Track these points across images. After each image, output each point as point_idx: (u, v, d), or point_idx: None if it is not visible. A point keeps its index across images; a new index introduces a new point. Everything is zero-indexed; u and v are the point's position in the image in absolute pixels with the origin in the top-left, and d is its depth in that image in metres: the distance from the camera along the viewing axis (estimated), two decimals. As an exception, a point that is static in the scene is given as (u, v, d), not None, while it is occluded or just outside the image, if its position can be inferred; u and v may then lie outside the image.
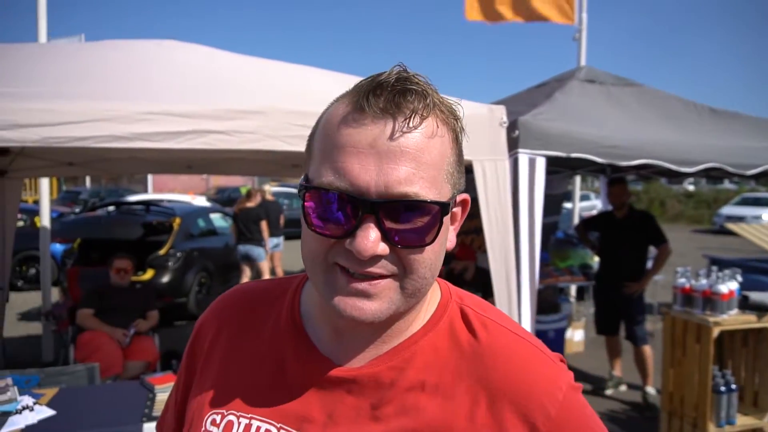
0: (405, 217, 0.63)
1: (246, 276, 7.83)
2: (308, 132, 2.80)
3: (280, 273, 8.35)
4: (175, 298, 6.93)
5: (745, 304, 3.05)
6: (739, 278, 3.07)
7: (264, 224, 7.65)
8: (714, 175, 5.49)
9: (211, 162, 5.66)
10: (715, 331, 2.87)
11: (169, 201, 9.88)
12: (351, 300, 0.64)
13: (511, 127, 3.35)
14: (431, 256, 0.66)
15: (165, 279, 6.89)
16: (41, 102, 2.53)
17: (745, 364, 3.23)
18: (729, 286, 2.96)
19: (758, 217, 17.32)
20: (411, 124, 0.62)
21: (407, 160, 0.61)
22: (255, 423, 0.72)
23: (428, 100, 0.63)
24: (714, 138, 4.47)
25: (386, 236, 0.62)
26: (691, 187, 29.33)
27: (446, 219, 0.66)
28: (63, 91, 2.76)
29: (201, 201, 12.51)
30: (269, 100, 2.84)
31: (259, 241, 7.60)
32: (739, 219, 16.29)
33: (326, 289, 0.66)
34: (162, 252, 7.03)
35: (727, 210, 19.82)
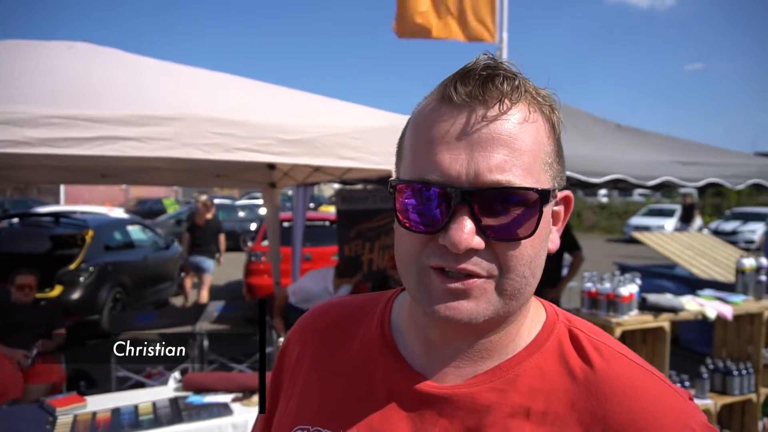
0: (500, 208, 0.59)
1: (189, 286, 7.87)
2: (227, 140, 2.75)
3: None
4: (87, 315, 6.50)
5: (643, 305, 3.29)
6: (639, 281, 3.30)
7: (223, 237, 7.88)
8: (621, 186, 5.91)
9: (127, 170, 5.42)
10: (618, 331, 3.07)
11: (83, 213, 9.32)
12: (446, 301, 0.60)
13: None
14: (530, 253, 0.61)
15: (75, 295, 6.46)
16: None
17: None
18: (629, 289, 3.18)
19: (662, 227, 18.70)
20: (501, 109, 0.59)
21: (499, 146, 0.58)
22: None
23: (517, 83, 0.60)
24: (619, 152, 4.81)
25: (481, 229, 0.59)
26: (604, 200, 31.28)
27: (546, 211, 0.62)
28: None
29: (118, 213, 11.88)
30: (185, 106, 2.77)
31: (213, 253, 7.72)
32: (646, 229, 17.52)
33: (419, 291, 0.62)
34: (72, 266, 6.59)
35: (636, 220, 21.25)
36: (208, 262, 7.67)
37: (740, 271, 3.87)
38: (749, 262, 3.87)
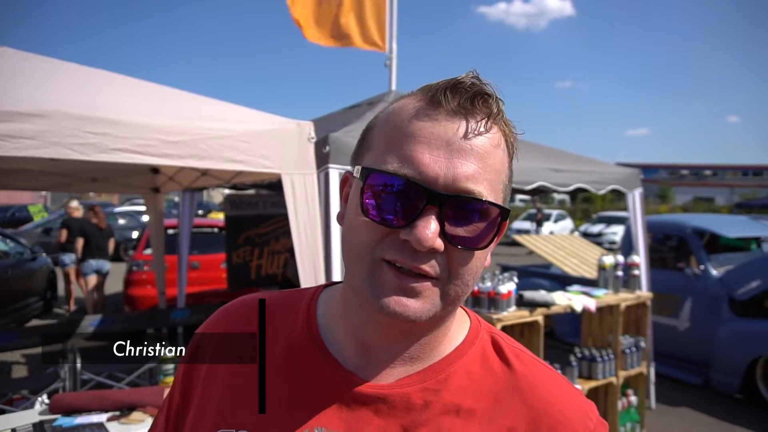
0: (466, 217, 0.61)
1: (93, 288, 7.86)
2: (102, 140, 2.58)
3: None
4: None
5: (520, 302, 3.55)
6: (516, 280, 3.56)
7: (112, 241, 8.35)
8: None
9: (-18, 173, 4.83)
10: (498, 327, 3.29)
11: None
12: (396, 296, 0.61)
13: (323, 143, 3.46)
14: (477, 264, 0.65)
15: None
16: None
17: (523, 354, 3.73)
18: (507, 287, 3.42)
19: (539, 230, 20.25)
20: (482, 128, 0.62)
21: (475, 158, 0.61)
22: None
23: (498, 109, 0.64)
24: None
25: (444, 233, 0.60)
26: (490, 205, 33.06)
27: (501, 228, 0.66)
28: None
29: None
30: (53, 102, 2.54)
31: (108, 257, 8.13)
32: (526, 231, 18.89)
33: (369, 284, 0.62)
34: None
35: (517, 224, 22.82)
36: (108, 265, 8.12)
37: (601, 268, 4.31)
38: (608, 260, 4.32)
